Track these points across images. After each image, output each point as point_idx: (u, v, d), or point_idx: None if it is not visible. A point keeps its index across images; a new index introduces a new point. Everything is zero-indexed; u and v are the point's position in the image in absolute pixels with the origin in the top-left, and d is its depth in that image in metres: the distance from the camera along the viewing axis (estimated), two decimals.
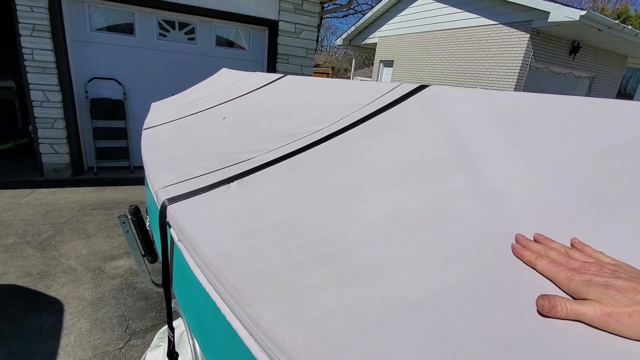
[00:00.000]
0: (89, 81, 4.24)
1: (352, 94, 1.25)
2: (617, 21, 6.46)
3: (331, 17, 21.16)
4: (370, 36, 11.41)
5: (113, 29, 4.30)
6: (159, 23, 4.46)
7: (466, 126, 0.79)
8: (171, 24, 4.52)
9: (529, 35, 7.03)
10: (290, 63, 4.74)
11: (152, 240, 1.25)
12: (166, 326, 1.44)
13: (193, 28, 4.61)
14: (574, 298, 0.33)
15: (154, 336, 1.54)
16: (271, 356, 0.34)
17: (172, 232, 0.67)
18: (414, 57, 9.91)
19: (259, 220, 0.57)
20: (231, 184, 0.73)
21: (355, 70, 15.58)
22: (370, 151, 0.77)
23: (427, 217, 0.51)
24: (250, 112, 1.42)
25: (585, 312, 0.30)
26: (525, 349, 0.30)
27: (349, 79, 11.06)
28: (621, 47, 8.11)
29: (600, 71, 8.82)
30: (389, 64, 11.08)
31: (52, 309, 1.97)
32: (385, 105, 1.02)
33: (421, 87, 1.08)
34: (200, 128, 1.36)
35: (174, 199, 0.70)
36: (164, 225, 0.71)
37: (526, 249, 0.40)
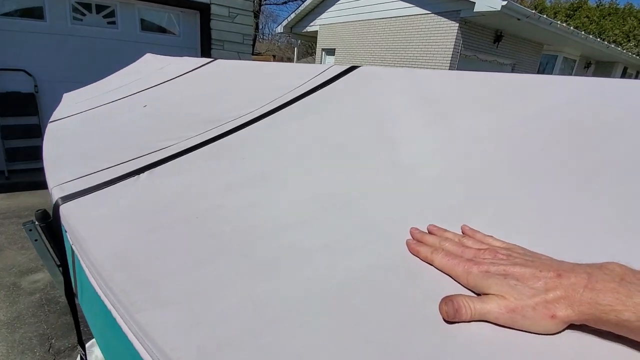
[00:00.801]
0: None
1: (284, 77, 1.20)
2: (534, 11, 7.11)
3: (270, 4, 20.58)
4: (311, 24, 11.32)
5: (19, 13, 3.72)
6: (73, 6, 3.95)
7: (392, 105, 0.78)
8: (87, 6, 4.03)
9: (458, 24, 7.47)
10: (227, 50, 4.51)
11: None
12: (93, 340, 1.30)
13: (113, 11, 4.16)
14: (476, 293, 0.31)
15: None
16: None
17: (68, 235, 0.57)
18: (355, 45, 10.06)
19: (168, 213, 0.51)
20: (141, 175, 0.65)
21: (298, 59, 15.41)
22: (295, 133, 0.72)
23: (347, 199, 0.48)
24: (175, 98, 1.30)
25: (490, 310, 0.28)
26: (439, 325, 0.28)
27: None
28: (537, 36, 8.98)
29: (521, 58, 9.70)
30: (331, 52, 11.12)
31: None
32: (315, 87, 0.98)
33: (352, 68, 1.06)
34: (116, 118, 1.21)
35: (68, 197, 0.60)
36: (58, 228, 0.61)
37: (421, 244, 0.38)
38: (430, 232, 0.41)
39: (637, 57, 12.51)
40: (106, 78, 2.20)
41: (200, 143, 0.75)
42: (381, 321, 0.28)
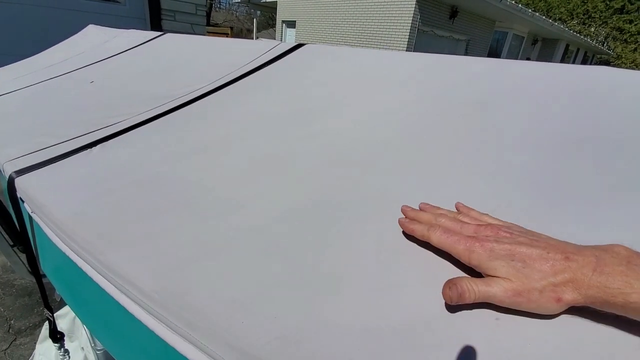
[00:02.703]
0: None
1: (234, 54, 1.23)
2: None
3: None
4: None
5: None
6: None
7: (330, 80, 0.87)
8: None
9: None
10: (178, 20, 4.29)
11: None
12: (59, 311, 1.33)
13: None
14: (476, 271, 0.31)
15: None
16: (126, 293, 0.37)
17: (25, 206, 0.62)
18: (316, 19, 9.87)
19: (120, 179, 0.57)
20: (93, 148, 0.69)
21: (259, 31, 14.83)
22: (240, 107, 0.80)
23: (280, 158, 0.57)
24: (123, 74, 1.30)
25: (495, 293, 0.28)
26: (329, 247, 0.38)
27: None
28: (489, 12, 9.32)
29: (475, 34, 10.06)
30: (291, 24, 10.83)
31: None
32: (262, 64, 1.04)
33: (298, 46, 1.13)
34: (62, 94, 1.20)
35: (22, 171, 0.64)
36: (15, 200, 0.65)
37: (415, 222, 0.37)
38: (422, 210, 0.40)
39: (578, 35, 13.34)
40: (45, 51, 2.07)
41: (150, 118, 0.80)
42: (296, 248, 0.39)
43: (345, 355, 0.26)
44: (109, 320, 0.47)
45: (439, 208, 0.40)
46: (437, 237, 0.34)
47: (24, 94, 1.28)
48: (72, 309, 0.69)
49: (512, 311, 0.28)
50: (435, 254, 0.35)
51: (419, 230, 0.36)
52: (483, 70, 0.74)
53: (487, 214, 0.37)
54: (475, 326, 0.28)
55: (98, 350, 1.00)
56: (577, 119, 0.53)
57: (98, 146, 0.70)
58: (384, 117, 0.66)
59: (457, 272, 0.33)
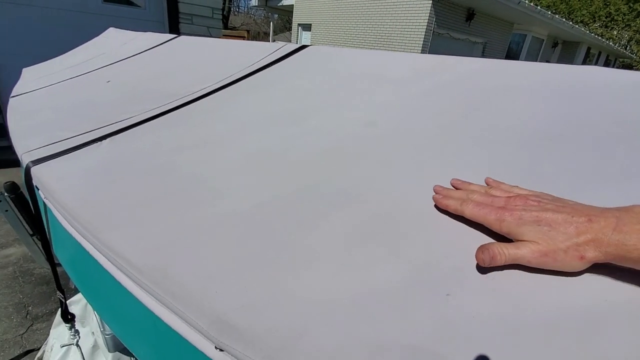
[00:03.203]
0: None
1: (242, 55, 1.28)
2: None
3: None
4: None
5: None
6: None
7: (329, 80, 0.90)
8: None
9: (431, 2, 7.52)
10: (195, 24, 4.42)
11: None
12: (73, 297, 1.40)
13: None
14: (507, 239, 0.33)
15: None
16: (120, 268, 0.41)
17: (40, 193, 0.67)
18: (331, 21, 9.93)
19: (125, 169, 0.61)
20: (103, 141, 0.74)
21: (276, 34, 15.03)
22: (241, 105, 0.83)
23: (273, 152, 0.61)
24: (137, 74, 1.36)
25: (524, 255, 0.30)
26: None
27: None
28: (507, 14, 9.16)
29: (492, 37, 9.91)
30: (307, 27, 10.92)
31: None
32: (267, 64, 1.08)
33: (302, 47, 1.17)
34: (80, 92, 1.27)
35: (38, 161, 0.69)
36: (31, 188, 0.70)
37: (449, 198, 0.40)
38: (454, 186, 0.43)
39: (600, 38, 12.95)
40: (68, 53, 2.18)
41: (157, 114, 0.85)
42: (275, 232, 0.41)
43: (303, 325, 0.29)
44: (111, 300, 0.51)
45: (470, 184, 0.42)
46: (469, 210, 0.37)
47: (47, 91, 1.37)
48: (80, 292, 0.74)
49: (540, 271, 0.31)
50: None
51: (452, 205, 0.39)
52: (477, 69, 0.75)
53: (516, 186, 0.39)
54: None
55: (107, 334, 1.06)
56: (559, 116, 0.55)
57: (107, 140, 0.75)
58: (379, 115, 0.68)
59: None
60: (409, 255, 0.35)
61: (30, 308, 1.80)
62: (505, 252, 0.31)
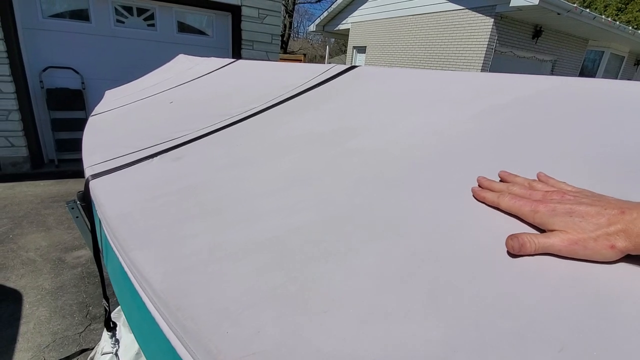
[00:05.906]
0: (44, 70, 4.07)
1: (293, 76, 1.30)
2: (575, 4, 6.72)
3: (304, 3, 20.85)
4: (343, 22, 11.36)
5: (67, 15, 4.12)
6: (116, 9, 4.30)
7: (376, 100, 0.86)
8: (129, 9, 4.37)
9: (493, 19, 7.22)
10: (256, 49, 4.70)
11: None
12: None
13: (152, 14, 4.47)
14: (541, 230, 0.33)
15: None
16: (143, 289, 0.40)
17: (94, 205, 0.71)
18: (386, 43, 9.98)
19: (168, 186, 0.63)
20: (154, 158, 0.78)
21: (331, 57, 15.50)
22: (286, 124, 0.83)
23: (312, 173, 0.58)
24: (197, 95, 1.45)
25: (553, 243, 0.31)
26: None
27: None
28: (581, 31, 8.45)
29: (562, 54, 9.17)
30: (362, 50, 11.10)
31: (10, 299, 1.96)
32: (315, 85, 1.08)
33: (351, 68, 1.15)
34: (146, 112, 1.38)
35: (97, 175, 0.74)
36: (89, 199, 0.75)
37: (487, 191, 0.40)
38: (501, 178, 0.43)
39: None
40: (143, 77, 2.42)
41: (206, 133, 0.87)
42: (302, 257, 0.38)
43: None
44: (137, 316, 0.51)
45: (517, 176, 0.42)
46: (505, 202, 0.37)
47: (119, 111, 1.51)
48: (119, 302, 0.77)
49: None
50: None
51: (489, 197, 0.39)
52: (540, 89, 0.66)
53: (564, 182, 0.39)
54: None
55: None
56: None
57: (158, 157, 0.78)
58: (426, 138, 0.63)
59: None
60: (454, 309, 0.29)
61: (90, 308, 1.95)
62: (535, 240, 0.31)
